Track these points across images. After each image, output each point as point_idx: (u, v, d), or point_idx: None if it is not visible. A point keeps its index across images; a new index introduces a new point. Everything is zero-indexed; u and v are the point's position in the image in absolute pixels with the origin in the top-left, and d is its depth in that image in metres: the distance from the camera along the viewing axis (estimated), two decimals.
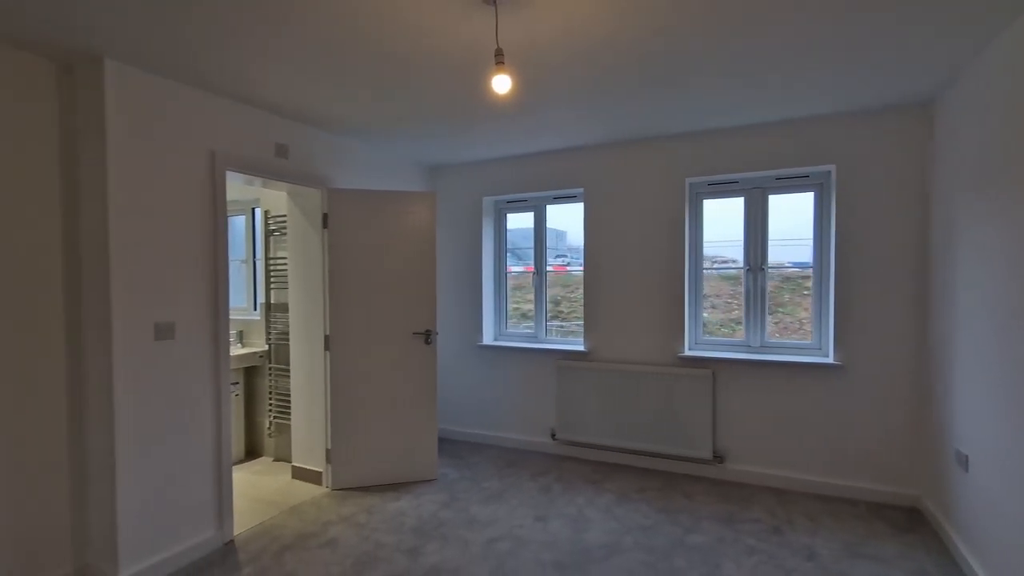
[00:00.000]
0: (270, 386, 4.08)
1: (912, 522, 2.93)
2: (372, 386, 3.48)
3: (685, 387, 3.58)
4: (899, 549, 2.65)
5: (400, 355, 3.53)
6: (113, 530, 2.33)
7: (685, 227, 3.66)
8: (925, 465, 3.03)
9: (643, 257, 3.78)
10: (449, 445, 4.33)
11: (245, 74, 2.48)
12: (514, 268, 4.52)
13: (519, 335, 4.43)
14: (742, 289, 3.64)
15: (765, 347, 3.59)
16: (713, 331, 3.80)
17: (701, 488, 3.42)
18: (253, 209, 4.35)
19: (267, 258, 4.11)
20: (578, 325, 4.19)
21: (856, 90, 2.78)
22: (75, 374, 2.39)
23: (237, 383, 4.07)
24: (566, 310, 4.35)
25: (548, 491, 3.39)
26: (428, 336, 3.56)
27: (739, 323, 3.68)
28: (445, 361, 4.53)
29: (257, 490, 3.46)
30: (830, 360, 3.29)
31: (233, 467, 3.69)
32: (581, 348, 3.98)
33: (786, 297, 3.63)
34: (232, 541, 2.80)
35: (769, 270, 3.59)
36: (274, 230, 4.07)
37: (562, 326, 4.35)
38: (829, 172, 3.34)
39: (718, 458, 3.55)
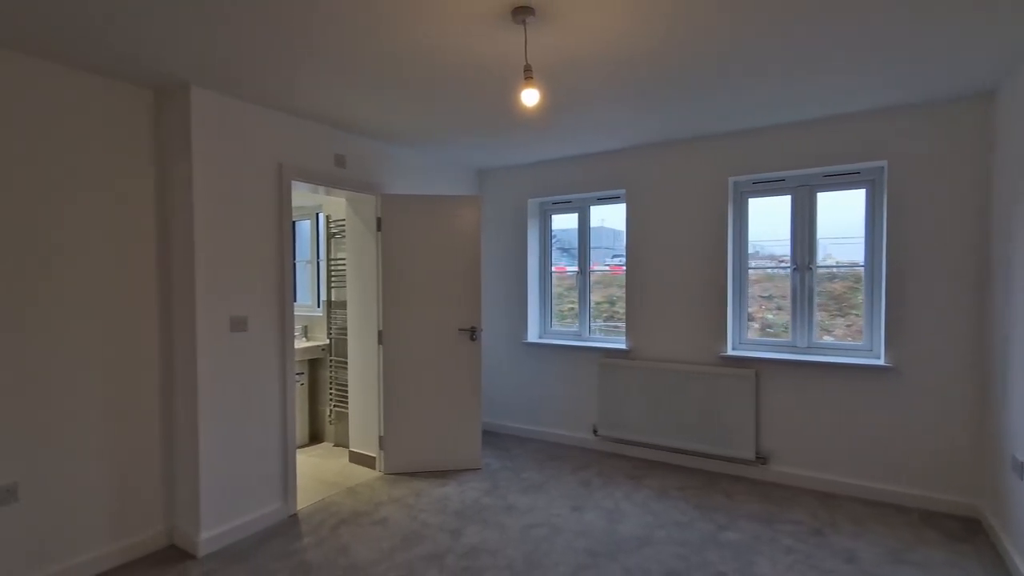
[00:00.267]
0: (331, 377, 4.42)
1: (968, 532, 2.81)
2: (421, 379, 3.72)
3: (728, 387, 3.57)
4: (948, 557, 2.56)
5: (447, 350, 3.74)
6: (196, 498, 2.67)
7: (728, 226, 3.65)
8: (985, 473, 2.89)
9: (685, 256, 3.79)
10: (495, 438, 4.51)
11: (307, 92, 2.75)
12: (568, 268, 4.58)
13: (563, 333, 4.54)
14: (788, 288, 3.59)
15: (812, 347, 3.51)
16: (759, 331, 3.75)
17: (742, 488, 3.41)
18: (317, 214, 4.72)
19: (329, 259, 4.46)
20: None
21: (909, 81, 2.68)
22: (166, 362, 2.76)
23: (302, 373, 4.44)
24: (622, 310, 4.19)
25: (587, 485, 3.50)
26: (473, 333, 3.76)
27: (785, 327, 3.62)
28: (493, 360, 4.71)
29: (318, 471, 3.79)
30: (881, 362, 3.19)
31: (298, 450, 4.06)
32: (623, 346, 4.04)
33: (835, 296, 3.54)
34: (296, 514, 3.10)
35: (818, 269, 3.51)
36: (335, 233, 4.41)
37: (616, 326, 4.31)
38: (881, 168, 3.23)
39: (761, 459, 3.51)
